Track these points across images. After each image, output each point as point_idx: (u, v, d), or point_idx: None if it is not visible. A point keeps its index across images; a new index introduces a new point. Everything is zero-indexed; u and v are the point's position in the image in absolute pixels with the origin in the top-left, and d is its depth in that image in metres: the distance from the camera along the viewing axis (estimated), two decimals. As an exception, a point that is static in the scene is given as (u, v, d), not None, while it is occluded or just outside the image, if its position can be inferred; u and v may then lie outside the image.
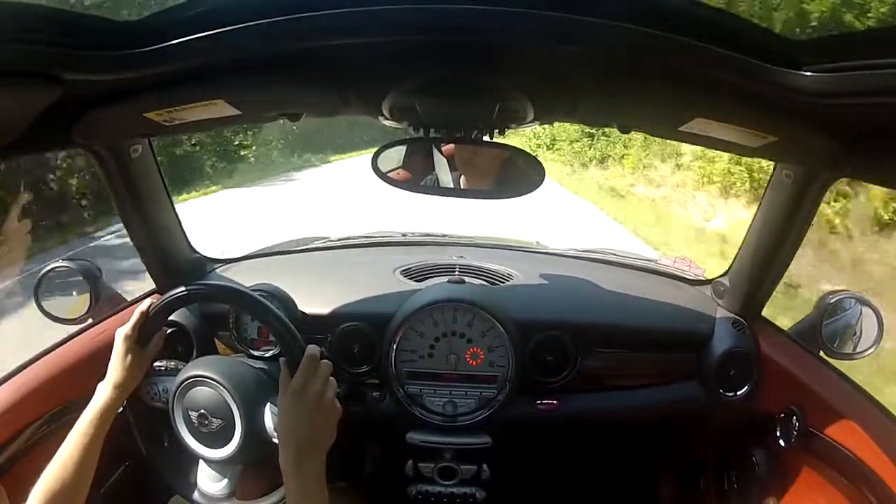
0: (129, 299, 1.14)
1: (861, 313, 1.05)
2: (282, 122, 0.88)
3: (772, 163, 0.96)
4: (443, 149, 0.87)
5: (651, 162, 10.14)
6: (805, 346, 1.05)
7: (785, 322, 1.15)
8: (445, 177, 0.88)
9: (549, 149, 13.72)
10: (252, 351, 1.05)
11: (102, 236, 7.03)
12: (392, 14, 0.52)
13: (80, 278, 1.08)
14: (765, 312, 1.13)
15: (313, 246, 1.52)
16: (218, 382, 0.80)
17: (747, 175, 7.50)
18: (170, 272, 1.12)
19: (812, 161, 0.84)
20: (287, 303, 1.04)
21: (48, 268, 1.08)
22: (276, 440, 0.77)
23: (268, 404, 0.80)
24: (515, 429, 1.09)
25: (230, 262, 1.30)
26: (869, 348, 1.03)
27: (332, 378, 0.73)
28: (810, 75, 0.52)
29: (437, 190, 0.88)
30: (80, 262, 1.10)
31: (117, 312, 1.10)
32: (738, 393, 1.08)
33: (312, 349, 0.72)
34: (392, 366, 1.05)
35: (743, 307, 1.12)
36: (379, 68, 0.68)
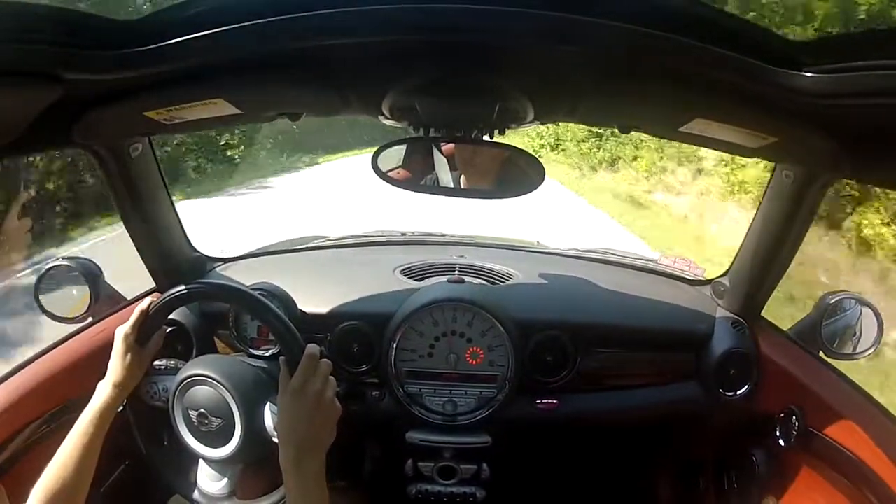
0: (128, 298, 1.14)
1: (861, 314, 1.05)
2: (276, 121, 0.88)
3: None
4: (443, 148, 0.87)
5: (666, 165, 9.04)
6: (805, 346, 1.05)
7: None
8: (445, 176, 0.88)
9: (553, 149, 12.92)
10: (252, 350, 1.06)
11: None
12: (388, 14, 0.51)
13: (80, 277, 1.08)
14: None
15: (313, 245, 1.52)
16: (218, 381, 0.80)
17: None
18: (170, 271, 1.12)
19: (812, 161, 0.84)
20: (287, 302, 1.04)
21: (48, 266, 1.08)
22: (275, 439, 0.77)
23: (267, 403, 0.81)
24: (515, 428, 1.09)
25: (230, 261, 1.31)
26: (868, 349, 1.03)
27: (331, 377, 0.73)
28: (810, 76, 0.52)
29: (437, 189, 0.88)
30: (80, 261, 1.10)
31: (117, 311, 1.10)
32: (738, 393, 1.08)
33: (312, 348, 0.72)
34: (392, 365, 1.05)
35: (743, 307, 1.12)
36: (377, 68, 0.68)
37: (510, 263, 1.27)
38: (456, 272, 1.19)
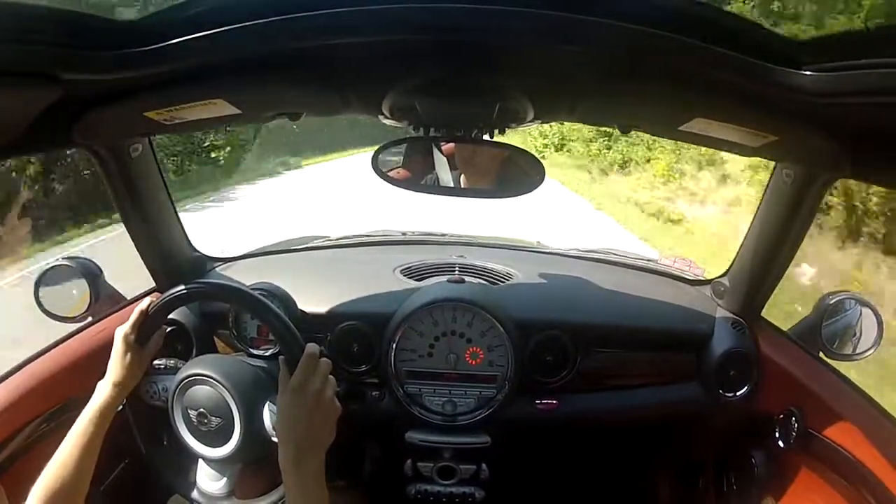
0: (128, 298, 1.14)
1: (861, 314, 1.05)
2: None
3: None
4: (443, 148, 0.87)
5: (684, 169, 8.25)
6: (805, 346, 1.05)
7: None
8: (445, 176, 0.88)
9: (558, 150, 12.19)
10: (251, 350, 1.06)
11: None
12: (390, 13, 0.51)
13: (80, 277, 1.08)
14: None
15: (313, 245, 1.52)
16: (217, 381, 0.80)
17: (842, 205, 5.08)
18: (170, 271, 1.12)
19: (812, 161, 0.84)
20: (287, 301, 1.04)
21: (48, 266, 1.08)
22: (275, 439, 0.77)
23: (267, 403, 0.81)
24: (515, 428, 1.09)
25: (230, 261, 1.31)
26: (868, 349, 1.03)
27: (331, 376, 0.73)
28: (810, 75, 0.52)
29: (437, 189, 0.88)
30: (80, 261, 1.10)
31: (117, 311, 1.10)
32: (738, 393, 1.08)
33: (312, 347, 0.72)
34: (391, 365, 1.05)
35: (743, 307, 1.12)
36: (378, 68, 0.68)
37: (510, 263, 1.27)
38: (456, 272, 1.19)
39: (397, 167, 0.89)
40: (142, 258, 1.10)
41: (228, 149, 11.76)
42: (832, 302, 1.05)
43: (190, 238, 1.19)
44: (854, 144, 0.67)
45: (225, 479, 0.83)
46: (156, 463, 0.88)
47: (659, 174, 8.81)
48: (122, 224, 1.05)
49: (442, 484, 1.10)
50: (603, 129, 9.25)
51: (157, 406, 0.87)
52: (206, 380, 0.80)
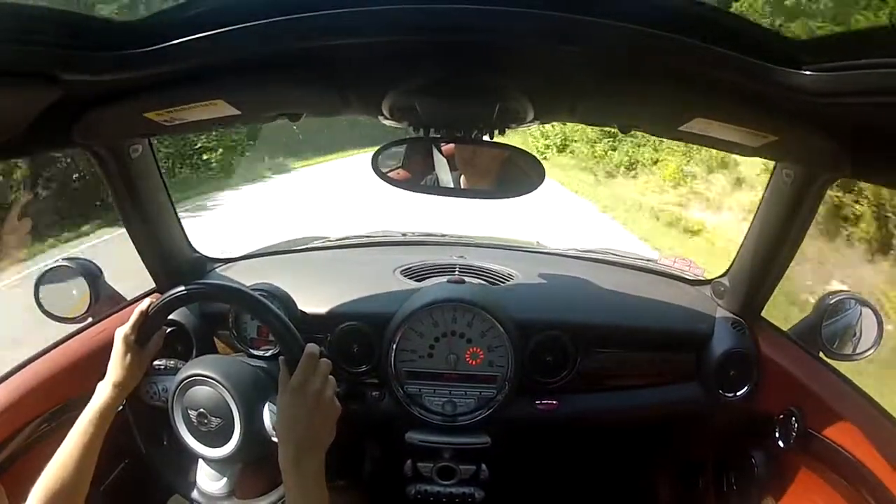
0: (128, 298, 1.14)
1: (861, 314, 1.05)
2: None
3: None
4: (443, 148, 0.87)
5: (694, 171, 7.80)
6: (805, 346, 1.05)
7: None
8: (445, 176, 0.88)
9: (560, 151, 11.81)
10: (251, 350, 1.06)
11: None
12: (391, 14, 0.51)
13: (80, 277, 1.08)
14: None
15: (313, 245, 1.52)
16: (217, 381, 0.80)
17: (872, 215, 4.62)
18: (170, 271, 1.12)
19: (812, 161, 0.84)
20: (287, 302, 1.04)
21: (48, 267, 1.08)
22: (275, 439, 0.77)
23: (267, 403, 0.81)
24: (515, 429, 1.09)
25: (230, 262, 1.31)
26: (868, 349, 1.03)
27: (331, 377, 0.74)
28: (810, 74, 0.52)
29: (437, 190, 0.88)
30: (80, 262, 1.10)
31: (117, 311, 1.10)
32: (738, 393, 1.08)
33: (311, 347, 0.72)
34: (391, 365, 1.05)
35: (743, 307, 1.12)
36: (378, 68, 0.68)
37: (510, 264, 1.27)
38: (456, 272, 1.19)
39: (397, 168, 0.89)
40: (142, 259, 1.10)
41: (220, 151, 11.21)
42: (832, 302, 1.05)
43: (190, 239, 1.19)
44: (854, 144, 0.67)
45: (225, 480, 0.83)
46: (156, 463, 0.88)
47: (668, 177, 8.36)
48: (118, 227, 1.05)
49: (442, 484, 1.10)
50: (607, 129, 8.60)
51: (157, 406, 0.87)
52: (206, 380, 0.80)
